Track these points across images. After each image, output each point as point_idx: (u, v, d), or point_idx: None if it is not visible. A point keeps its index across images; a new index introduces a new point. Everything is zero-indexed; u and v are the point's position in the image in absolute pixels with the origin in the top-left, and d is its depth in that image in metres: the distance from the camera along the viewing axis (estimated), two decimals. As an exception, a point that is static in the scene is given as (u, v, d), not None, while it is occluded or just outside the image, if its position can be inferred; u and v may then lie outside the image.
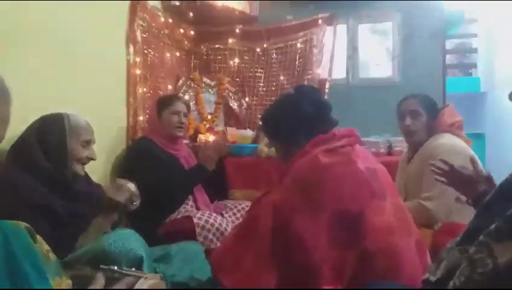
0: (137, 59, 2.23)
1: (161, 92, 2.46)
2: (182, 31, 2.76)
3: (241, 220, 1.76)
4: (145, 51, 2.33)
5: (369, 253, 0.96)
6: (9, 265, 0.82)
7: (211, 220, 1.78)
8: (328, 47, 2.71)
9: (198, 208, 1.94)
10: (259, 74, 2.90)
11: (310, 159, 1.08)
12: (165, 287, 1.11)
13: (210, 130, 2.67)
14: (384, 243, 0.98)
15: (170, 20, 2.60)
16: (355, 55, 3.08)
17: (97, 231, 1.29)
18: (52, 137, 1.33)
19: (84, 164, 1.42)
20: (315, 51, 2.73)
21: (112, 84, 2.11)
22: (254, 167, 2.35)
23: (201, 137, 2.55)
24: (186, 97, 2.67)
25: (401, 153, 2.18)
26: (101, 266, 1.06)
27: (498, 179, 0.74)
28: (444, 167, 1.26)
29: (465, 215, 1.12)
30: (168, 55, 2.60)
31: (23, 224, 0.88)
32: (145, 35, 2.32)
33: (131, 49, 2.21)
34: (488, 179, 1.16)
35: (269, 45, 2.87)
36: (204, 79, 2.83)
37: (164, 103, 2.02)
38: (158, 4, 2.54)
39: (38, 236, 0.93)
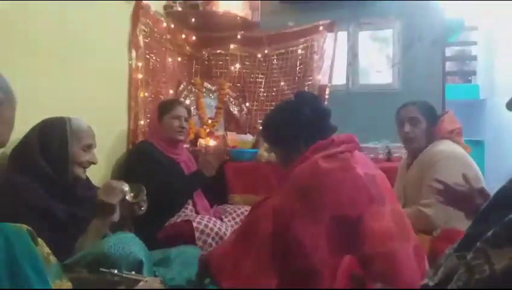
0: (139, 64, 2.25)
1: (162, 97, 2.47)
2: (183, 36, 2.79)
3: (240, 224, 1.77)
4: (147, 56, 2.35)
5: (368, 258, 0.97)
6: (10, 267, 0.83)
7: (210, 225, 1.78)
8: (329, 53, 2.73)
9: (197, 213, 1.95)
10: (260, 80, 2.91)
11: (309, 165, 1.09)
12: (165, 291, 1.11)
13: (210, 134, 2.68)
14: (383, 248, 0.98)
15: (172, 26, 2.62)
16: (355, 61, 3.10)
17: (95, 234, 1.29)
18: (53, 141, 1.34)
19: (85, 167, 1.42)
20: (316, 57, 2.74)
21: (113, 88, 2.13)
22: (254, 172, 2.35)
23: (202, 141, 2.56)
24: (187, 102, 2.69)
25: (400, 159, 2.19)
26: (101, 269, 1.06)
27: (497, 185, 0.75)
28: (438, 186, 1.28)
29: (464, 222, 1.13)
30: (169, 60, 2.62)
31: (25, 227, 0.89)
32: (147, 40, 2.34)
33: (134, 53, 2.23)
34: (482, 191, 1.19)
35: (270, 51, 2.89)
36: (206, 84, 2.85)
37: (165, 108, 2.04)
38: (160, 10, 2.57)
39: (39, 239, 0.94)
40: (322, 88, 2.67)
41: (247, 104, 2.92)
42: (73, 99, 1.74)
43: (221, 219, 1.95)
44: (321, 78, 2.71)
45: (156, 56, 2.44)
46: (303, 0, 2.96)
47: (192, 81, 2.81)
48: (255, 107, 2.90)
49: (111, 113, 2.09)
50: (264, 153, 2.37)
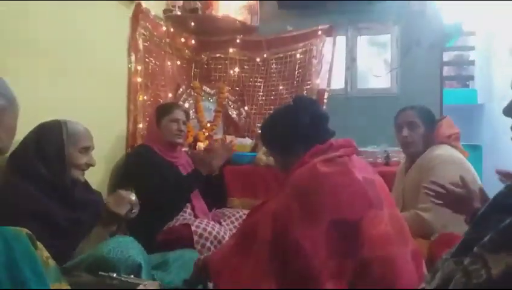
0: (139, 67, 2.26)
1: (161, 100, 2.48)
2: (183, 40, 2.80)
3: (238, 228, 1.77)
4: (147, 60, 2.36)
5: (367, 262, 0.97)
6: (10, 270, 0.83)
7: (209, 228, 1.78)
8: (327, 58, 2.75)
9: (196, 216, 1.95)
10: (258, 83, 2.92)
11: (308, 169, 1.09)
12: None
13: (209, 138, 2.68)
14: (381, 252, 0.99)
15: (171, 29, 2.63)
16: (353, 66, 3.11)
17: (96, 240, 1.29)
18: (50, 144, 1.34)
19: (83, 170, 1.42)
20: (314, 61, 2.76)
21: (113, 91, 2.13)
22: (252, 176, 2.36)
23: (200, 145, 2.57)
24: (186, 105, 2.69)
25: (398, 163, 2.20)
26: (100, 272, 1.07)
27: (495, 190, 0.75)
28: (436, 188, 1.28)
29: (462, 227, 1.13)
30: (169, 63, 2.63)
31: (24, 230, 0.89)
32: (146, 44, 2.35)
33: (133, 57, 2.24)
34: (480, 193, 1.19)
35: (269, 55, 2.90)
36: (205, 87, 2.85)
37: (163, 111, 2.04)
38: (160, 13, 2.58)
39: (38, 243, 0.94)
40: (321, 92, 2.68)
41: (246, 107, 2.93)
42: (73, 102, 1.74)
43: (220, 223, 1.95)
44: (320, 82, 2.72)
45: (155, 60, 2.45)
46: (302, 5, 2.97)
47: (192, 84, 2.82)
48: (253, 111, 2.91)
49: (110, 116, 2.09)
50: (263, 156, 2.37)
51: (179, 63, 2.78)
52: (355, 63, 3.11)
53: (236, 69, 2.94)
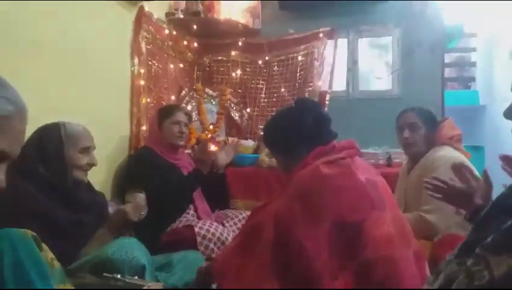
0: (142, 70, 2.27)
1: (164, 103, 2.49)
2: (185, 43, 2.81)
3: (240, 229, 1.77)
4: (150, 62, 2.37)
5: (370, 262, 0.98)
6: (15, 271, 0.84)
7: (212, 230, 1.79)
8: (329, 60, 2.76)
9: (199, 218, 1.95)
10: (260, 86, 2.93)
11: (311, 170, 1.10)
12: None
13: (212, 140, 2.69)
14: (384, 253, 0.99)
15: (174, 33, 2.64)
16: (355, 68, 3.11)
17: (101, 243, 1.30)
18: (49, 146, 1.35)
19: (86, 170, 1.43)
20: (316, 63, 2.77)
21: (116, 94, 2.15)
22: (255, 177, 2.36)
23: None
24: (189, 107, 2.70)
25: (400, 164, 2.20)
26: (105, 274, 1.07)
27: (497, 191, 0.76)
28: (438, 183, 1.28)
29: (465, 228, 1.13)
30: (171, 66, 2.64)
31: (30, 232, 0.90)
32: (149, 47, 2.36)
33: (136, 60, 2.25)
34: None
35: (271, 58, 2.91)
36: (207, 90, 2.86)
37: (165, 113, 2.05)
38: (163, 17, 2.59)
39: (43, 244, 0.95)
40: (323, 94, 2.69)
41: (248, 109, 2.94)
42: (77, 104, 1.76)
43: (223, 224, 1.95)
44: (321, 84, 2.73)
45: (158, 62, 2.46)
46: (303, 8, 2.98)
47: (194, 87, 2.83)
48: (256, 113, 2.92)
49: (113, 118, 2.10)
50: (265, 158, 2.38)
51: (181, 65, 2.79)
52: (356, 65, 3.11)
53: (239, 72, 2.95)
